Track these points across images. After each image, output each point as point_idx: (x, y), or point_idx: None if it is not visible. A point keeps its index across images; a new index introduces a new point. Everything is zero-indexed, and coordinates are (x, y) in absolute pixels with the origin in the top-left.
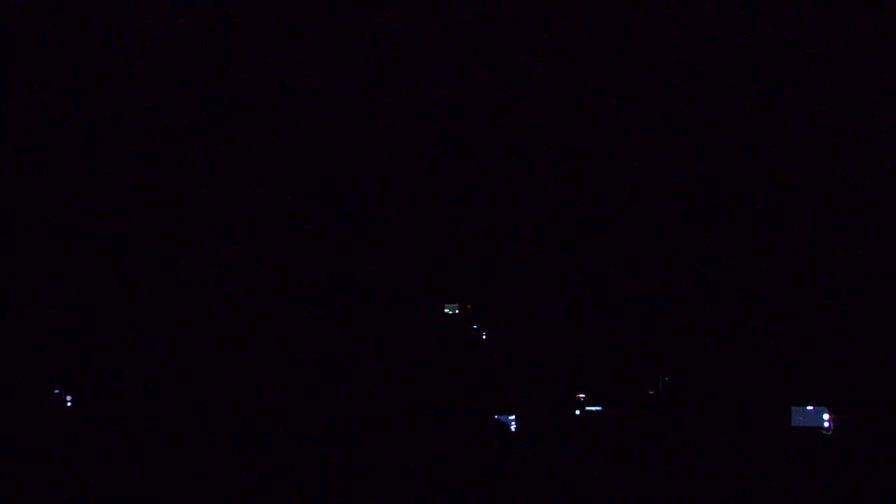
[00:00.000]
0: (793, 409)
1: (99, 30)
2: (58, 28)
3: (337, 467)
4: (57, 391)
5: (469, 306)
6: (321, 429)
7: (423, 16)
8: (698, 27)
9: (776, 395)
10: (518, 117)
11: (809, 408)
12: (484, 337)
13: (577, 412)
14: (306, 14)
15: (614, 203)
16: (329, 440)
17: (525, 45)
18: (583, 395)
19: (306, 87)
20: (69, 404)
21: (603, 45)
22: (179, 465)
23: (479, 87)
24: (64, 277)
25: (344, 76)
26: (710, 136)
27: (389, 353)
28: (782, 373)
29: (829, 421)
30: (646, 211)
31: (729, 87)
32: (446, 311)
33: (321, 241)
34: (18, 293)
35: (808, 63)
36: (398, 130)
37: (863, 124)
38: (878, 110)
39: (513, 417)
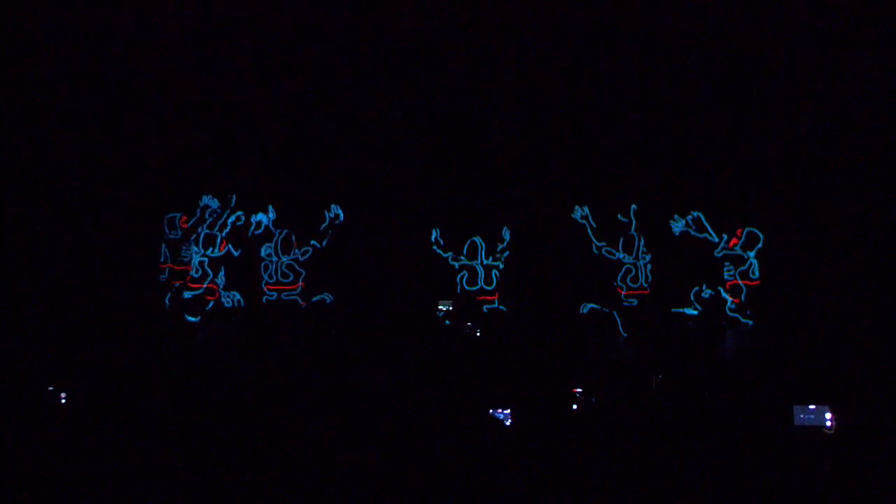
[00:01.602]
0: (795, 408)
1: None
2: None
3: (326, 464)
4: (51, 388)
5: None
6: (310, 427)
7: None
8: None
9: (778, 394)
10: (513, 119)
11: (812, 406)
12: (478, 334)
13: (574, 406)
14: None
15: (610, 199)
16: (319, 437)
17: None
18: (579, 390)
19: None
20: (63, 401)
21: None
22: (177, 464)
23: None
24: (57, 273)
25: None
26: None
27: (383, 351)
28: (784, 371)
29: (831, 420)
30: (643, 202)
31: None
32: (440, 307)
33: (313, 238)
34: (10, 290)
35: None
36: (390, 128)
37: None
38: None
39: (508, 412)
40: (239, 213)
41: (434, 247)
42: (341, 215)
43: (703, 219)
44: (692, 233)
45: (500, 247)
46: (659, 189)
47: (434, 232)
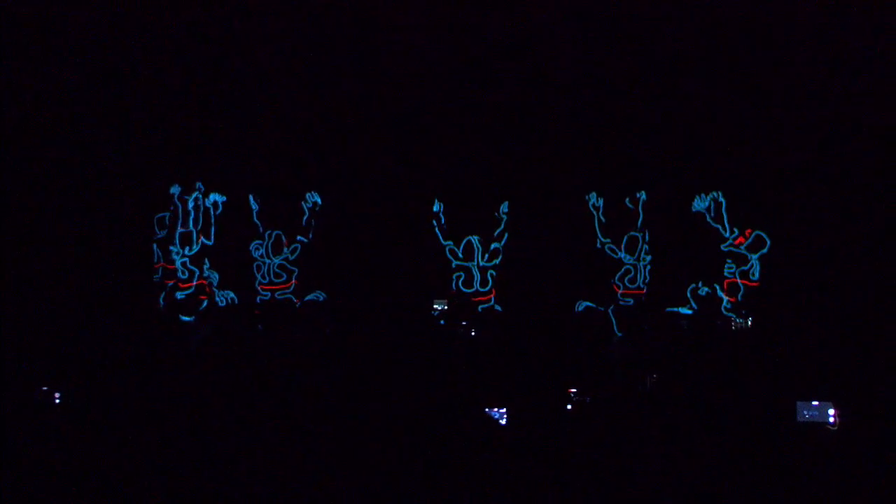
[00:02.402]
0: (798, 404)
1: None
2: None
3: (321, 463)
4: (45, 388)
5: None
6: (305, 426)
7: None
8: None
9: (781, 390)
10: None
11: (815, 403)
12: (473, 334)
13: (569, 406)
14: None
15: (602, 195)
16: (313, 436)
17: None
18: (574, 390)
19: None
20: (57, 401)
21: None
22: (172, 464)
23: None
24: (51, 274)
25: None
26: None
27: (377, 349)
28: (788, 367)
29: (834, 416)
30: (636, 198)
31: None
32: (435, 306)
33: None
34: (3, 291)
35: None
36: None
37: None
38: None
39: (504, 411)
40: (196, 194)
41: (434, 221)
42: (319, 201)
43: (723, 206)
44: (708, 218)
45: (497, 230)
46: (674, 179)
47: (437, 205)
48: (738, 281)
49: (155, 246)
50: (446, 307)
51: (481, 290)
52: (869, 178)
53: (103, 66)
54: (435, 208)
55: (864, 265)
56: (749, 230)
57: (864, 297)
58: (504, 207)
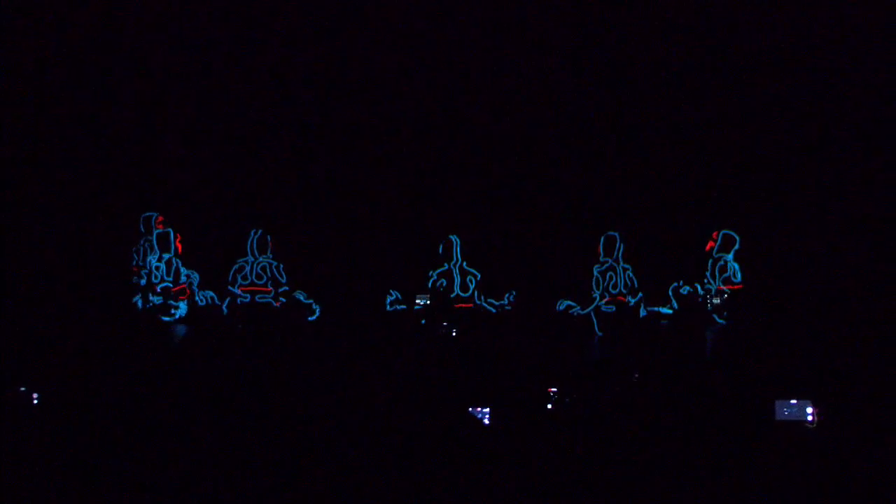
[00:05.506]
0: (777, 402)
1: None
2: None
3: (304, 463)
4: (23, 388)
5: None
6: (288, 426)
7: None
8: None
9: (760, 389)
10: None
11: (793, 401)
12: (454, 333)
13: (550, 406)
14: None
15: (590, 198)
16: (297, 436)
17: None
18: (554, 389)
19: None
20: (35, 402)
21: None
22: (152, 464)
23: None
24: (31, 274)
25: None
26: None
27: (361, 350)
28: (766, 366)
29: (812, 414)
30: (622, 202)
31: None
32: (417, 302)
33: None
34: None
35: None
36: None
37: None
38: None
39: (487, 410)
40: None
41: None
42: (318, 312)
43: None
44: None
45: (500, 302)
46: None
47: (393, 296)
48: (724, 287)
49: (141, 250)
50: (428, 303)
51: (462, 294)
52: (845, 179)
53: (87, 71)
54: (389, 300)
55: (841, 266)
56: (715, 232)
57: (841, 297)
58: (510, 297)
